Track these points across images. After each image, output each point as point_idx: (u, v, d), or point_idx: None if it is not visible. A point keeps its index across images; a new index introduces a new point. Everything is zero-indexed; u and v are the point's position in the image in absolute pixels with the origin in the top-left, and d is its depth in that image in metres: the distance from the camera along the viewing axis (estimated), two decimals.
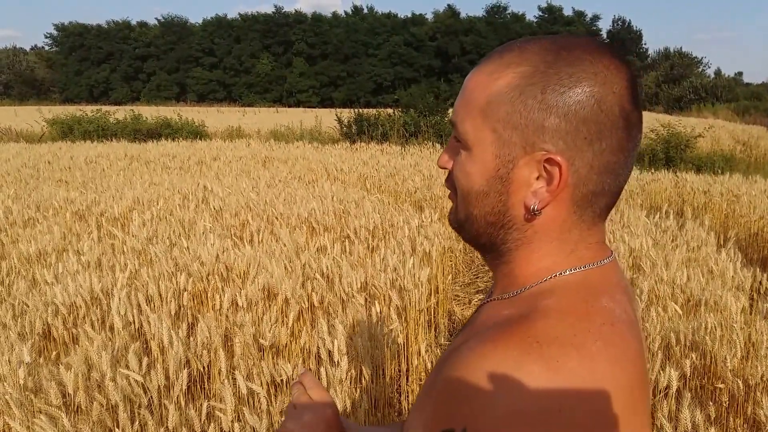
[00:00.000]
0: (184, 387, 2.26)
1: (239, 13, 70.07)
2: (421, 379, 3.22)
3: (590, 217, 0.67)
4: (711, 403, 2.30)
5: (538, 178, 0.65)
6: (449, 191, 0.75)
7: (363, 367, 2.50)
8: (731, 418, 2.55)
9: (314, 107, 54.47)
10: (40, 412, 1.96)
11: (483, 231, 0.70)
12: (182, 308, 3.14)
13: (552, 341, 0.57)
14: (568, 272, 0.66)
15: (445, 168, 0.74)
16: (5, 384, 2.14)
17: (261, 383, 2.39)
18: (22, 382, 2.18)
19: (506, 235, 0.69)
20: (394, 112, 16.79)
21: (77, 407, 2.16)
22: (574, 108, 0.62)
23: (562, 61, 0.63)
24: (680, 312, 2.95)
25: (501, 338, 0.58)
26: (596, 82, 0.62)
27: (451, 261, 5.07)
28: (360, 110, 17.20)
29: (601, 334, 0.58)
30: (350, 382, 2.49)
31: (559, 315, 0.60)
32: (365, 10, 70.47)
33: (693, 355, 2.57)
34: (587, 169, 0.64)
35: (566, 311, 0.61)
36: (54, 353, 2.81)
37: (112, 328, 2.82)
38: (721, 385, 2.53)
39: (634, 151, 0.67)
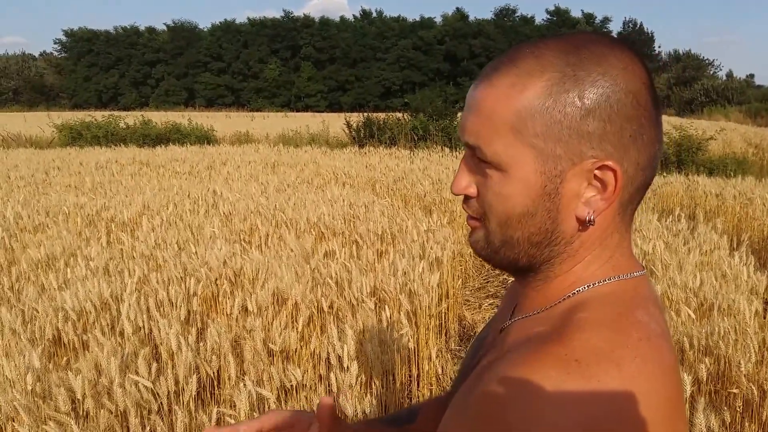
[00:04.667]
0: (194, 392, 2.25)
1: (248, 18, 70.29)
2: (431, 385, 3.21)
3: (629, 217, 0.66)
4: (725, 409, 2.27)
5: (587, 187, 0.62)
6: (471, 216, 0.69)
7: (373, 373, 2.49)
8: (746, 423, 2.52)
9: (322, 111, 54.50)
10: (50, 419, 1.95)
11: (525, 253, 0.66)
12: (192, 313, 3.13)
13: (591, 359, 0.55)
14: (602, 282, 0.64)
15: (464, 194, 0.68)
16: (14, 390, 2.14)
17: (271, 389, 2.38)
18: (30, 387, 2.18)
19: (551, 252, 0.65)
20: (403, 116, 16.77)
21: (86, 413, 2.15)
22: (616, 108, 0.60)
23: (587, 60, 0.60)
24: (693, 316, 2.92)
25: (538, 357, 0.57)
26: (627, 77, 0.60)
27: (461, 265, 5.05)
28: (369, 114, 17.19)
29: (639, 350, 0.57)
30: (360, 388, 2.48)
31: (595, 328, 0.58)
32: (374, 14, 70.62)
33: (707, 360, 2.54)
34: (634, 168, 0.62)
35: (601, 324, 0.59)
36: (64, 359, 2.81)
37: (122, 334, 2.82)
38: (736, 390, 2.50)
39: (662, 140, 0.65)
